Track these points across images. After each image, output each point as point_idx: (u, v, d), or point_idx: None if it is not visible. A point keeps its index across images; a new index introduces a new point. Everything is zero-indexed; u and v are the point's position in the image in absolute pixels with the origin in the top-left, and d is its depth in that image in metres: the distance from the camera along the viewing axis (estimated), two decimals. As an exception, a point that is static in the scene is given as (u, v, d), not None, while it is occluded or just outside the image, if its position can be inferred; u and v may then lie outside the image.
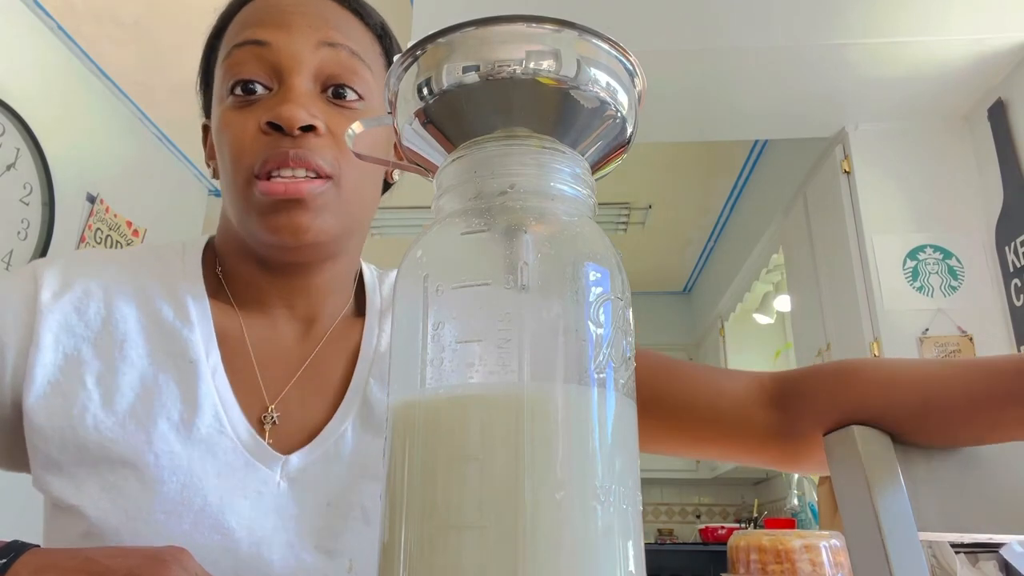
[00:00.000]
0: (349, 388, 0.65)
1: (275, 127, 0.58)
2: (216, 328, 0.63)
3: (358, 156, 0.42)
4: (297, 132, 0.58)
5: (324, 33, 0.61)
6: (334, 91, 0.61)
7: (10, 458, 0.62)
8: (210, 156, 0.68)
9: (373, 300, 0.71)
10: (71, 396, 0.57)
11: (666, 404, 0.62)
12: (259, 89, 0.60)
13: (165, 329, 0.61)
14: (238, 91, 0.60)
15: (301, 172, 0.58)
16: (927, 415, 0.52)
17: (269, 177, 0.58)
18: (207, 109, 0.69)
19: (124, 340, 0.60)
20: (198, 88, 0.70)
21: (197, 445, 0.58)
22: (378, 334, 0.69)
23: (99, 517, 0.55)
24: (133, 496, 0.56)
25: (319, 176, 0.59)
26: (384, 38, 0.68)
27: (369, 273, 0.74)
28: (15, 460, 0.62)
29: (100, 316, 0.60)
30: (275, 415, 0.62)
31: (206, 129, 0.69)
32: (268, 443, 0.60)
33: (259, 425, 0.61)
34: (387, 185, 0.72)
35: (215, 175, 0.67)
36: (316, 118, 0.59)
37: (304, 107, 0.58)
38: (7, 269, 2.38)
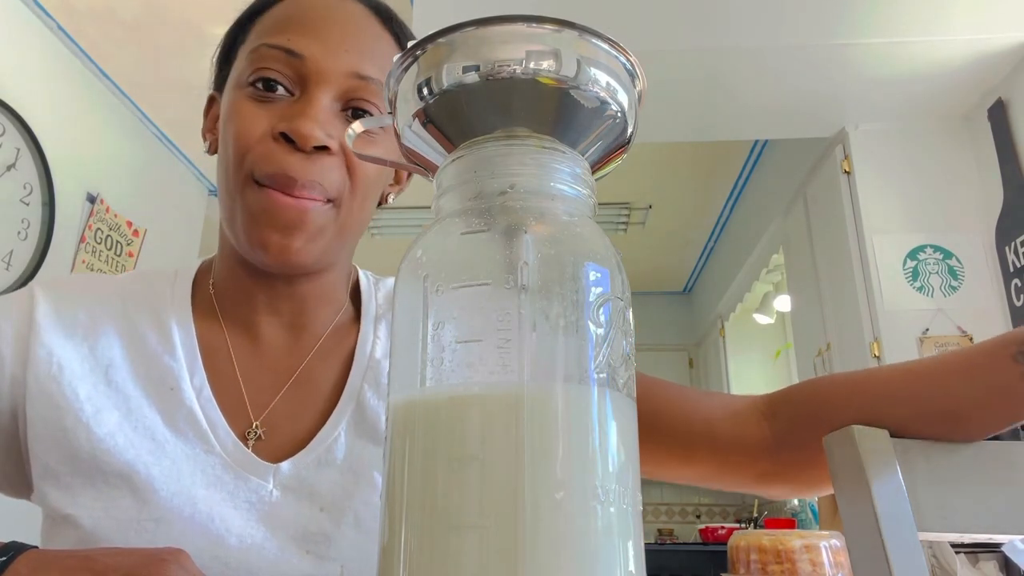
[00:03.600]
0: (343, 394, 0.65)
1: (287, 139, 0.57)
2: (202, 349, 0.64)
3: (358, 156, 0.42)
4: (310, 149, 0.57)
5: (358, 63, 0.60)
6: (354, 112, 0.61)
7: (8, 478, 0.62)
8: (209, 129, 0.68)
9: (368, 307, 0.71)
10: (64, 407, 0.58)
11: (661, 424, 0.62)
12: (279, 89, 0.59)
13: (148, 356, 0.62)
14: (259, 85, 0.59)
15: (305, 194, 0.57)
16: (914, 399, 0.53)
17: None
18: (219, 82, 0.68)
19: (109, 366, 0.61)
20: (215, 61, 0.69)
21: (185, 462, 0.59)
22: (373, 340, 0.69)
23: (92, 525, 0.56)
24: (125, 505, 0.57)
25: (322, 199, 0.59)
26: None
27: (365, 280, 0.74)
28: (13, 481, 0.62)
29: (87, 343, 0.61)
30: (260, 431, 0.62)
31: (212, 100, 0.69)
32: (257, 455, 0.61)
33: (246, 439, 0.62)
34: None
35: (211, 150, 0.66)
36: (332, 138, 0.58)
37: (321, 125, 0.57)
38: (7, 269, 2.38)
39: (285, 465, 0.61)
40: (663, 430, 0.62)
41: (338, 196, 0.60)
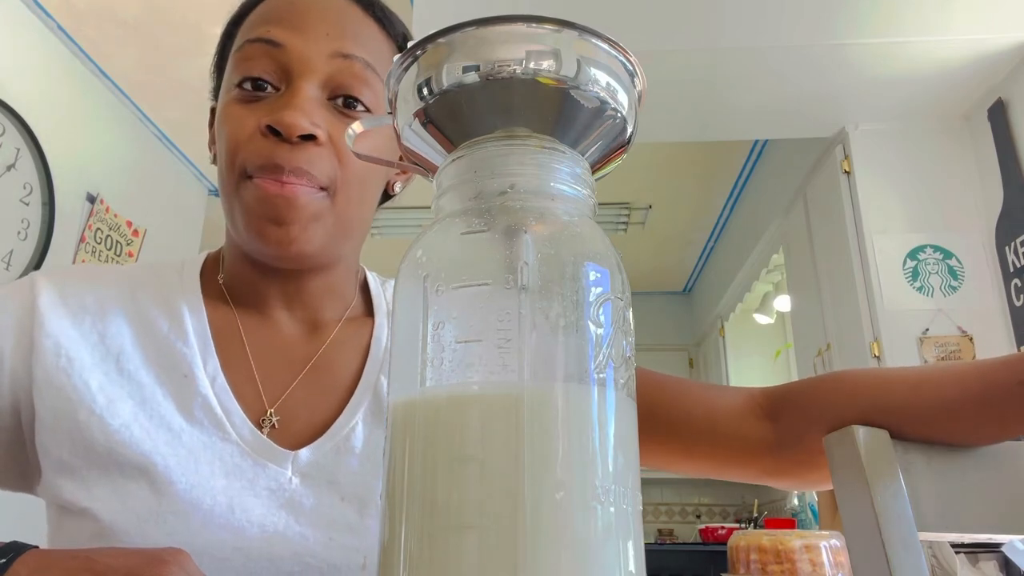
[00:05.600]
0: (359, 384, 0.65)
1: (274, 132, 0.57)
2: (214, 335, 0.63)
3: (358, 156, 0.42)
4: (296, 140, 0.57)
5: (340, 43, 0.60)
6: (342, 100, 0.61)
7: (8, 473, 0.62)
8: (212, 141, 0.68)
9: (380, 303, 0.72)
10: (76, 400, 0.57)
11: (660, 418, 0.62)
12: (266, 87, 0.60)
13: (159, 343, 0.61)
14: (246, 86, 0.60)
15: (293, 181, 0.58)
16: (919, 414, 0.52)
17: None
18: (217, 92, 0.68)
19: (120, 353, 0.60)
20: (212, 71, 0.69)
21: (202, 451, 0.58)
22: (388, 333, 0.69)
23: (110, 519, 0.55)
24: (143, 498, 0.56)
25: (312, 186, 0.58)
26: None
27: (373, 279, 0.75)
28: (12, 476, 0.62)
29: (96, 330, 0.60)
30: (275, 418, 0.61)
31: (214, 112, 0.69)
32: (275, 442, 0.60)
33: (260, 427, 0.61)
34: (387, 196, 0.72)
35: (214, 161, 0.66)
36: (318, 127, 0.58)
37: (307, 115, 0.57)
38: (7, 269, 2.38)
39: (304, 452, 0.60)
40: (661, 423, 0.62)
41: (330, 185, 0.59)
